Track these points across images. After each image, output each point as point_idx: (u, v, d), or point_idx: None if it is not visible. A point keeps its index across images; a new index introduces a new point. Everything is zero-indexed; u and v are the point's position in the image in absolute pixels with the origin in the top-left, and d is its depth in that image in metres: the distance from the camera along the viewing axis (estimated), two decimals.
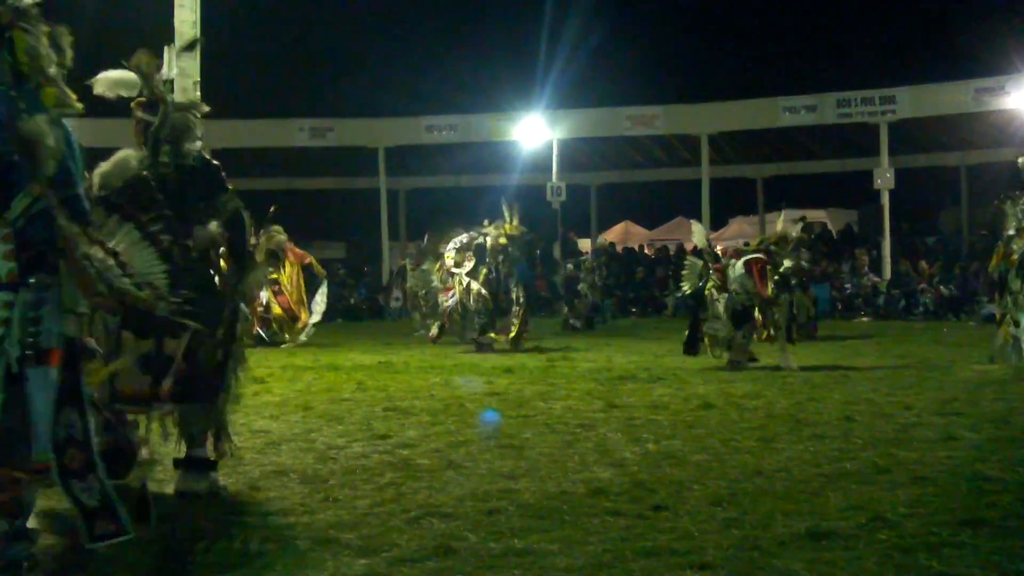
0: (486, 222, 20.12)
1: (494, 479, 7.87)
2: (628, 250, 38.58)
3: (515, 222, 19.76)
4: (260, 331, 20.31)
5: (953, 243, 33.58)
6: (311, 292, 21.79)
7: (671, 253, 35.84)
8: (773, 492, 7.30)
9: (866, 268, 29.98)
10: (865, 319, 27.25)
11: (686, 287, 16.09)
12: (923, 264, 29.65)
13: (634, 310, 31.24)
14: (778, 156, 37.32)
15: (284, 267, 20.92)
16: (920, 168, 36.19)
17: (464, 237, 19.60)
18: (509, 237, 19.51)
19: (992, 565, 5.63)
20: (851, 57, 42.53)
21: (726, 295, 15.38)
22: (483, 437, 9.38)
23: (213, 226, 7.34)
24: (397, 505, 7.08)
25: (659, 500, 7.11)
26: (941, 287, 28.14)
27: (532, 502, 7.13)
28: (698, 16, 48.22)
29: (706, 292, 15.61)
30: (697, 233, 16.83)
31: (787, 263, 15.33)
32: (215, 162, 7.73)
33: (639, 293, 32.61)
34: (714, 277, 15.56)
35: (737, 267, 15.39)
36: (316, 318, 21.87)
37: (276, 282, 20.88)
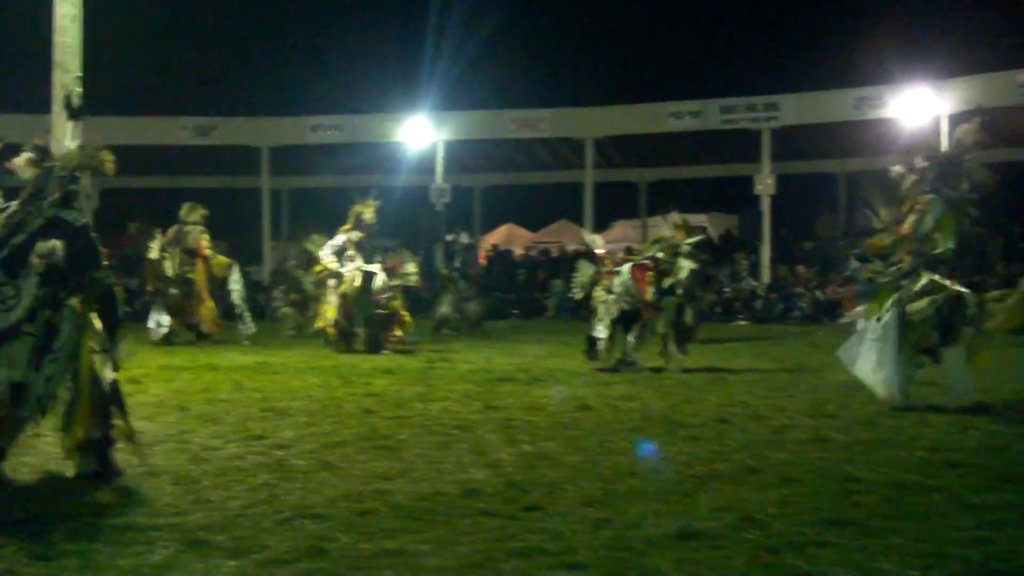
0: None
1: (368, 480, 7.85)
2: (510, 252, 38.74)
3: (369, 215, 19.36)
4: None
5: (830, 248, 34.18)
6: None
7: (554, 255, 36.03)
8: (645, 493, 7.37)
9: (745, 272, 30.42)
10: (743, 322, 27.66)
11: (577, 291, 16.20)
12: (801, 269, 30.16)
13: (515, 312, 31.34)
14: (662, 160, 37.66)
15: (198, 264, 20.66)
16: (800, 174, 36.78)
17: (338, 239, 19.33)
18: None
19: (854, 564, 5.76)
20: (736, 64, 43.10)
21: (612, 297, 15.50)
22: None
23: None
24: (270, 506, 7.02)
25: (532, 501, 7.14)
26: (817, 292, 28.64)
27: (405, 503, 7.12)
28: (585, 21, 48.48)
29: (594, 295, 15.73)
30: (592, 240, 17.07)
31: (687, 265, 15.44)
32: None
33: (520, 295, 32.72)
34: (604, 281, 15.69)
35: (624, 272, 15.52)
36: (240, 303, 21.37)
37: (190, 282, 20.61)
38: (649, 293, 15.27)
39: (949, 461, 8.38)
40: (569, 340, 20.93)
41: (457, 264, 26.19)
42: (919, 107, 28.93)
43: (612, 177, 37.97)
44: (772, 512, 6.79)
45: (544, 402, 12.07)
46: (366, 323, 19.05)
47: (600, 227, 41.11)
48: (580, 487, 7.56)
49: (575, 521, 6.63)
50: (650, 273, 15.36)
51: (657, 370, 15.10)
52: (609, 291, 15.56)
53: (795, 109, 31.78)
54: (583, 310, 15.90)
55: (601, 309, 15.58)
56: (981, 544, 6.07)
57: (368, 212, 19.26)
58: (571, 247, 37.15)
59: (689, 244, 15.64)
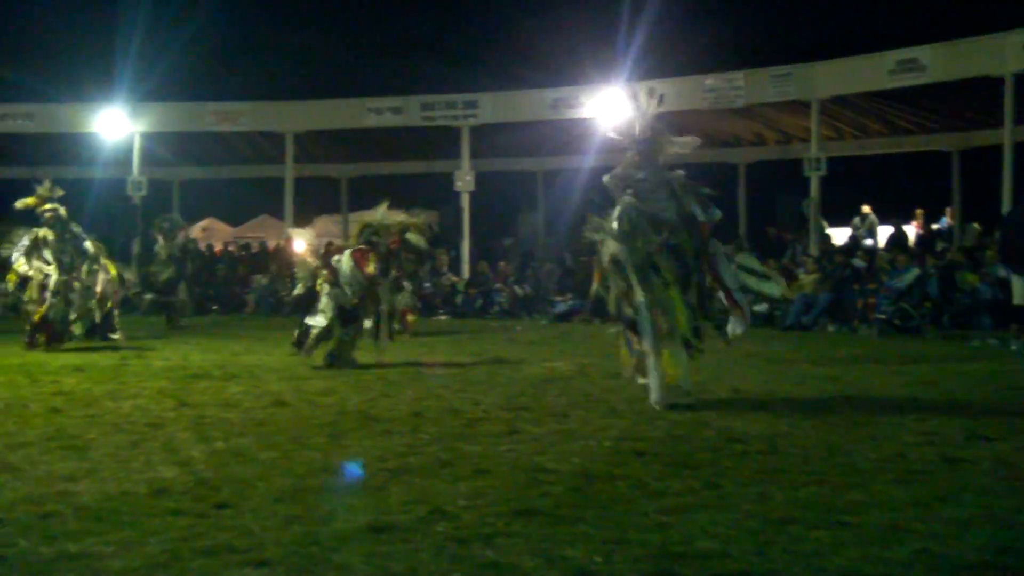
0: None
1: (52, 482, 7.56)
2: (210, 247, 37.98)
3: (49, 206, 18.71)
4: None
5: (529, 244, 34.86)
6: None
7: (255, 251, 35.51)
8: (338, 488, 7.35)
9: (445, 268, 30.68)
10: (443, 317, 27.89)
11: (298, 288, 15.95)
12: (501, 265, 30.61)
13: (215, 307, 30.73)
14: (364, 156, 37.60)
15: None
16: (500, 172, 37.33)
17: (26, 239, 18.50)
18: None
19: (541, 552, 5.88)
20: (437, 63, 43.41)
21: (336, 290, 15.41)
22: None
23: None
24: None
25: (223, 498, 7.03)
26: (516, 287, 29.12)
27: (91, 504, 6.89)
28: (285, 13, 47.95)
29: (318, 288, 15.56)
30: (300, 235, 16.98)
31: (414, 239, 15.66)
32: None
33: (219, 290, 32.11)
34: (325, 274, 15.54)
35: (344, 260, 15.43)
36: None
37: None
38: (371, 267, 15.28)
39: (635, 450, 8.66)
40: (268, 336, 20.70)
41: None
42: (613, 107, 29.72)
43: (313, 172, 37.64)
44: (463, 504, 6.87)
45: (239, 398, 11.89)
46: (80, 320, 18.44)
47: (302, 222, 40.73)
48: (272, 483, 7.48)
49: (265, 518, 6.56)
50: (371, 255, 15.39)
51: (366, 367, 15.11)
52: (334, 284, 15.42)
53: (494, 108, 32.19)
54: (300, 307, 15.70)
55: (324, 300, 15.41)
56: (661, 529, 6.30)
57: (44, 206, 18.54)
58: (272, 242, 36.66)
59: (414, 223, 15.94)
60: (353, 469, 7.95)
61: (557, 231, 33.43)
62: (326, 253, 16.37)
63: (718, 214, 11.36)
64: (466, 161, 32.24)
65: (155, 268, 25.06)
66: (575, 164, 32.62)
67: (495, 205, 38.33)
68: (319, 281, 15.58)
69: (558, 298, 27.48)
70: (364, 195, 41.13)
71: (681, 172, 11.71)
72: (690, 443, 9.02)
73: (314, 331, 15.39)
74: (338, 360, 15.30)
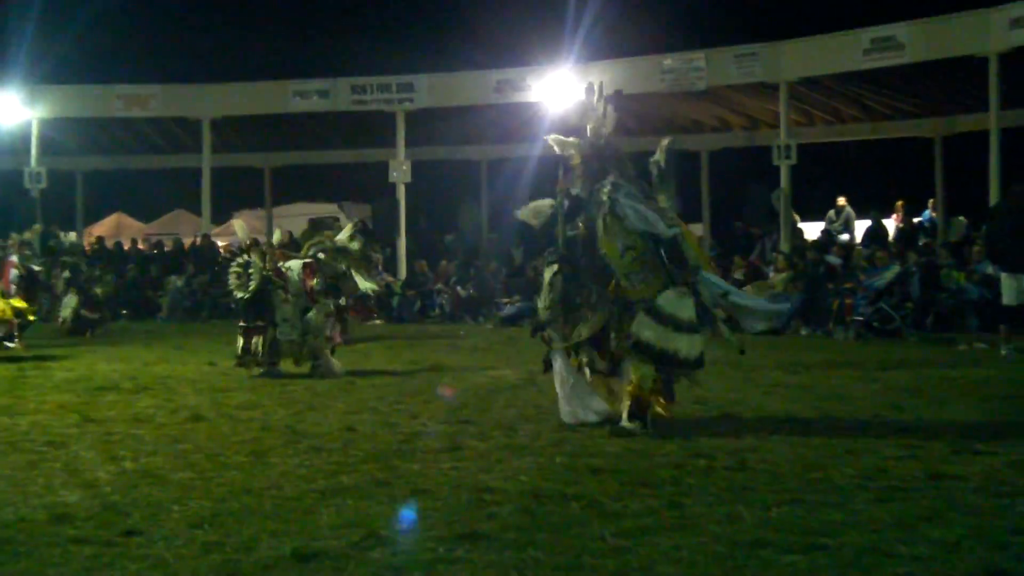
0: None
1: None
2: (119, 244, 37.70)
3: None
4: None
5: (472, 240, 34.84)
6: None
7: (168, 249, 35.26)
8: (261, 511, 7.29)
9: (380, 267, 30.58)
10: (378, 322, 27.80)
11: (242, 292, 15.81)
12: (443, 263, 30.58)
13: (124, 312, 30.48)
14: (288, 144, 37.42)
15: None
16: (439, 161, 37.29)
17: None
18: None
19: None
20: (368, 41, 43.34)
21: (294, 298, 15.51)
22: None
23: None
24: None
25: (132, 524, 6.95)
26: (458, 288, 29.10)
27: None
28: None
29: (275, 295, 15.52)
30: (240, 230, 16.97)
31: (353, 245, 16.13)
32: None
33: (130, 293, 31.85)
34: (276, 279, 15.53)
35: (294, 269, 15.61)
36: None
37: None
38: (315, 282, 15.68)
39: (590, 467, 8.65)
40: (185, 344, 20.57)
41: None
42: (562, 90, 29.73)
43: (233, 162, 37.41)
44: (400, 528, 6.84)
45: (151, 413, 11.79)
46: None
47: (221, 217, 40.61)
48: (188, 507, 7.40)
49: (181, 545, 6.49)
50: (317, 271, 15.88)
51: (295, 376, 15.06)
52: (286, 291, 15.49)
53: (432, 91, 32.14)
54: (248, 309, 15.66)
55: (287, 309, 15.45)
56: (619, 554, 6.28)
57: None
58: (188, 239, 36.41)
59: (347, 236, 16.41)
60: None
61: (503, 226, 33.39)
62: (276, 256, 16.33)
63: (667, 232, 10.83)
64: (401, 150, 32.22)
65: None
66: (522, 152, 32.61)
67: (434, 198, 38.32)
68: (275, 288, 15.61)
69: (505, 300, 27.50)
70: (289, 187, 41.10)
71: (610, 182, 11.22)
72: (650, 459, 9.01)
73: (285, 342, 15.53)
74: (322, 368, 15.47)
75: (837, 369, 15.78)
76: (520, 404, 12.28)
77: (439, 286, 29.52)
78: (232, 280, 15.96)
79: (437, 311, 28.84)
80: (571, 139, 11.42)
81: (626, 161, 11.31)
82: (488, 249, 32.96)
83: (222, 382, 14.69)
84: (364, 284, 16.46)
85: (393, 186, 32.57)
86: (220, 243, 35.03)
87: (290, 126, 35.36)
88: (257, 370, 15.45)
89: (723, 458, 8.95)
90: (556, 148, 11.39)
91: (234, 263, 16.24)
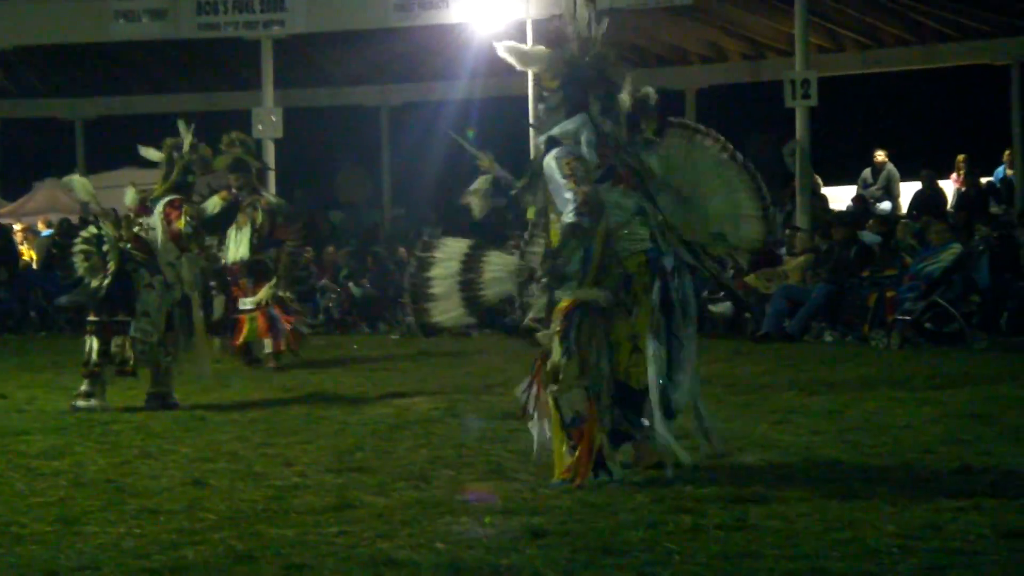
0: None
1: None
2: None
3: None
4: None
5: (369, 218, 34.89)
6: None
7: None
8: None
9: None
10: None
11: (97, 279, 15.72)
12: (330, 250, 30.55)
13: None
14: (109, 87, 37.20)
15: None
16: (322, 108, 37.21)
17: None
18: None
19: None
20: None
21: (159, 278, 15.59)
22: None
23: None
24: None
25: None
26: (351, 284, 29.05)
27: None
28: None
29: (136, 276, 15.46)
30: (82, 189, 17.33)
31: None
32: None
33: None
34: (138, 254, 15.47)
35: (157, 219, 15.75)
36: None
37: None
38: (181, 224, 15.77)
39: (531, 528, 8.66)
40: None
41: None
42: (493, 10, 29.73)
43: (30, 112, 37.22)
44: None
45: None
46: None
47: (14, 190, 40.24)
48: None
49: None
50: (187, 207, 15.93)
51: (131, 410, 15.07)
52: (151, 268, 15.65)
53: (309, 11, 31.81)
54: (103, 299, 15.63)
55: (149, 297, 15.58)
56: None
57: None
58: None
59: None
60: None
61: (411, 198, 33.40)
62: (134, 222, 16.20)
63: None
64: (269, 93, 32.08)
65: None
66: (437, 95, 32.63)
67: (316, 159, 38.19)
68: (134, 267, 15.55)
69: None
70: (112, 147, 40.72)
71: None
72: (615, 516, 9.05)
73: (140, 343, 15.48)
74: (159, 398, 15.54)
75: (874, 388, 15.88)
76: (435, 443, 12.30)
77: (324, 282, 29.46)
78: (79, 263, 15.76)
79: (321, 316, 28.79)
80: (535, 49, 11.19)
81: (619, 85, 11.12)
82: (392, 230, 32.96)
83: (15, 422, 14.62)
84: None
85: (259, 144, 32.40)
86: (16, 226, 34.76)
87: (112, 61, 35.16)
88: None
89: (716, 513, 9.00)
90: (514, 62, 11.17)
91: (78, 239, 16.04)
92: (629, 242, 10.55)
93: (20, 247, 32.93)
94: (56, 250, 16.60)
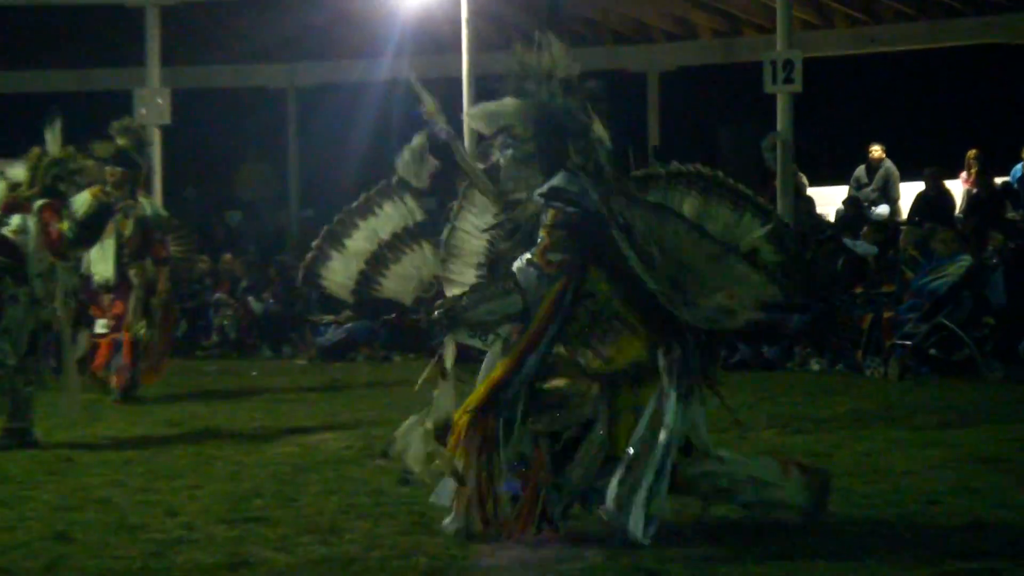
0: None
1: None
2: None
3: None
4: None
5: (273, 221, 34.95)
6: None
7: None
8: None
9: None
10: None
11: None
12: (227, 258, 30.58)
13: None
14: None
15: None
16: (217, 90, 37.23)
17: None
18: None
19: None
20: None
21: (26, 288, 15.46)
22: None
23: None
24: None
25: None
26: (251, 299, 29.07)
27: None
28: None
29: None
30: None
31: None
32: None
33: None
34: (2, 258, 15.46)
35: (31, 222, 15.58)
36: None
37: None
38: (64, 227, 15.68)
39: None
40: None
41: None
42: None
43: None
44: None
45: None
46: None
47: None
48: None
49: None
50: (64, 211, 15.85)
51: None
52: (18, 279, 15.47)
53: None
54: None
55: (14, 312, 15.43)
56: None
57: None
58: None
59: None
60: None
61: (323, 196, 33.39)
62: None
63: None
64: (156, 71, 32.02)
65: None
66: (354, 76, 32.72)
67: (210, 150, 38.16)
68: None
69: (326, 318, 27.47)
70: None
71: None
72: None
73: None
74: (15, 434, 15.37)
75: (868, 426, 15.96)
76: (347, 489, 12.27)
77: (219, 296, 29.46)
78: None
79: (215, 336, 28.78)
80: (503, 104, 11.06)
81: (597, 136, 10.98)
82: (300, 236, 32.94)
83: None
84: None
85: (142, 130, 32.36)
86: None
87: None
88: None
89: None
90: (483, 128, 11.08)
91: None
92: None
93: None
94: None
